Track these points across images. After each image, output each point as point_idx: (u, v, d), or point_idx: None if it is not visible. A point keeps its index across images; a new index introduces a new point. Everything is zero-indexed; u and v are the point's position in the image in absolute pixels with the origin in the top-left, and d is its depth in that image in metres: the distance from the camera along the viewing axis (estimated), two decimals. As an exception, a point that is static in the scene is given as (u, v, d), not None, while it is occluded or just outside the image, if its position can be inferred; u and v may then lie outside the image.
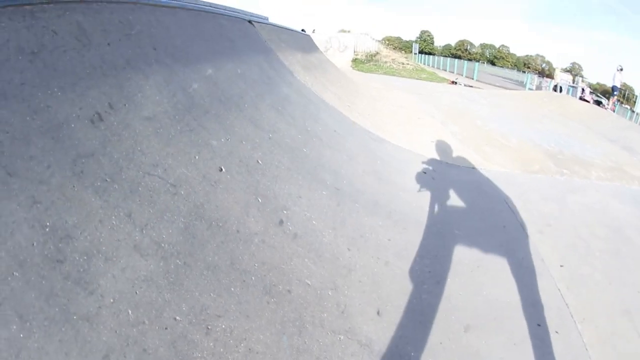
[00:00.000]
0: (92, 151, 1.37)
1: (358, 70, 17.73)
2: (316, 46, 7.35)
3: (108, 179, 1.35)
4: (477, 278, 2.13)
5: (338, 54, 19.49)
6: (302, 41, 6.36)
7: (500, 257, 2.41)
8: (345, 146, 2.86)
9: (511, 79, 28.50)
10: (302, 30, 16.46)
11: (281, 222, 1.79)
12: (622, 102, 17.82)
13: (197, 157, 1.80)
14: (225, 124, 2.18)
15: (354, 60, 20.37)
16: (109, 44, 1.89)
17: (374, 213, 2.29)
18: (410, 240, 2.32)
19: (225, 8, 5.51)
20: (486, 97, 10.16)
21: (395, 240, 2.21)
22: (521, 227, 2.86)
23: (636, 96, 17.84)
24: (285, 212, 1.86)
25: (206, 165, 1.80)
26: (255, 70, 3.27)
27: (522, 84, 23.11)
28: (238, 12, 5.90)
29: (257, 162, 2.08)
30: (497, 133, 6.26)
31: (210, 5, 4.68)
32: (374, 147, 3.26)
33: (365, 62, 20.36)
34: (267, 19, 8.59)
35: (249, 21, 4.59)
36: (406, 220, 2.46)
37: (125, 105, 1.69)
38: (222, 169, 1.86)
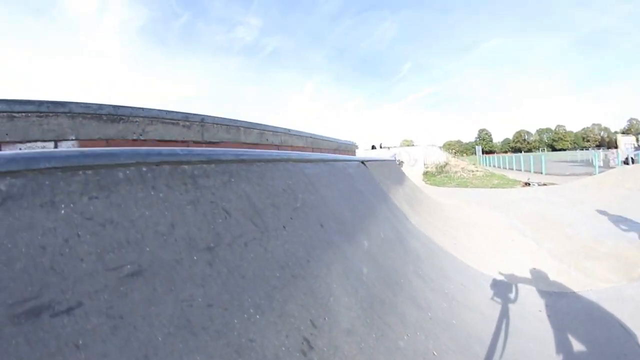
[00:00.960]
0: None
1: (431, 184, 17.52)
2: (402, 171, 7.96)
3: None
4: None
5: (409, 168, 19.73)
6: (393, 170, 6.37)
7: (628, 393, 2.29)
8: (475, 302, 3.13)
9: (577, 161, 27.57)
10: (372, 147, 17.88)
11: None
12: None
13: (396, 370, 1.53)
14: (398, 312, 2.08)
15: (425, 174, 20.21)
16: (284, 227, 1.61)
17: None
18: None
19: (329, 139, 6.15)
20: (562, 194, 9.98)
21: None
22: (642, 350, 2.70)
23: None
24: (468, 411, 1.71)
25: (406, 379, 1.50)
26: (387, 227, 3.23)
27: (589, 163, 22.00)
28: (342, 145, 6.60)
29: (433, 353, 1.91)
30: (589, 239, 6.13)
31: (325, 138, 5.09)
32: (492, 293, 3.62)
33: (436, 175, 20.03)
34: (353, 143, 9.67)
35: (362, 162, 4.59)
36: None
37: (325, 318, 1.36)
38: (416, 379, 1.59)
